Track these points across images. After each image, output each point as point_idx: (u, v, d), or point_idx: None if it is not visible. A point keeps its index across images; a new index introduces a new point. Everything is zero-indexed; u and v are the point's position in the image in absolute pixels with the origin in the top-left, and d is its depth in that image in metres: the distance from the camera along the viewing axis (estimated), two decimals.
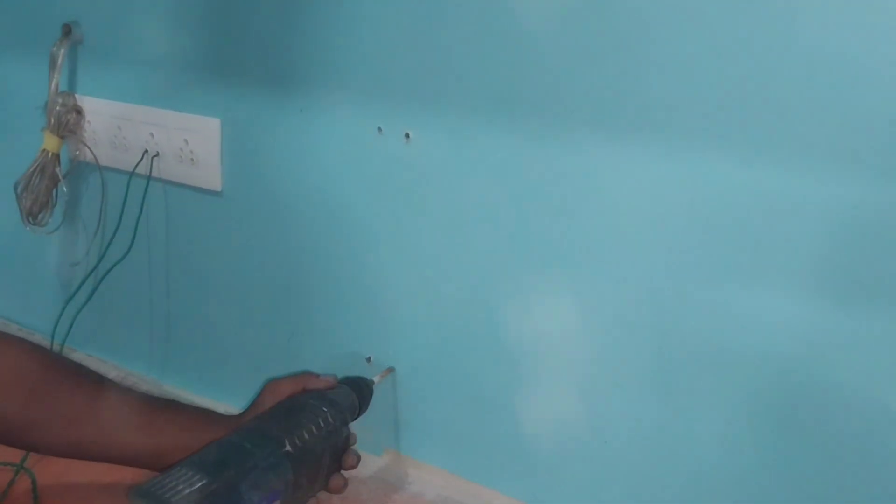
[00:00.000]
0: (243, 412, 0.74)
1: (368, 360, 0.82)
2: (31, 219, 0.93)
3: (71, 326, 0.92)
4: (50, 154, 0.91)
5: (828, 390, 0.61)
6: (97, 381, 0.70)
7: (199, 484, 0.55)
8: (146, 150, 0.88)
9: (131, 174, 0.89)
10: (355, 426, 0.72)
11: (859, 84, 0.55)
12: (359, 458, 0.71)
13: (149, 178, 0.89)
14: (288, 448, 0.62)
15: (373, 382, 0.76)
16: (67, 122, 0.91)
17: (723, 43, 0.58)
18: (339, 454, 0.68)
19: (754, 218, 0.60)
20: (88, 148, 0.92)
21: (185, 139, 0.85)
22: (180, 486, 0.54)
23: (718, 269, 0.63)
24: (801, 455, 0.63)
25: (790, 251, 0.60)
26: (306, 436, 0.64)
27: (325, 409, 0.67)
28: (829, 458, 0.62)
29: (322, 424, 0.66)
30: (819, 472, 0.63)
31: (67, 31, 0.89)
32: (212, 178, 0.86)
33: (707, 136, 0.61)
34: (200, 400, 0.95)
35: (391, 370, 0.80)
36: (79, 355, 1.01)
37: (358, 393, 0.73)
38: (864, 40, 0.54)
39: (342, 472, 0.69)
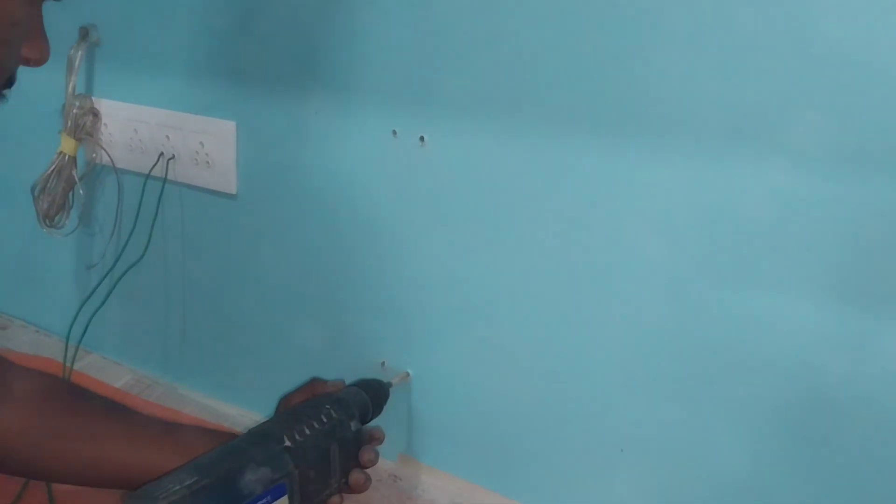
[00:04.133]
0: None
1: (382, 364, 0.81)
2: (47, 221, 0.93)
3: (86, 328, 0.93)
4: (67, 156, 0.91)
5: (851, 396, 0.60)
6: (95, 402, 0.70)
7: (190, 481, 0.55)
8: (162, 153, 0.88)
9: (147, 176, 0.89)
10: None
11: (878, 85, 0.54)
12: (377, 455, 0.70)
13: (164, 180, 0.89)
14: (287, 444, 0.62)
15: (389, 384, 0.76)
16: (84, 125, 0.91)
17: (740, 44, 0.57)
18: (351, 450, 0.68)
19: (776, 222, 0.59)
20: (105, 150, 0.93)
21: (201, 142, 0.85)
22: (171, 486, 0.54)
23: (739, 274, 0.62)
24: (826, 463, 0.62)
25: (813, 255, 0.59)
26: (307, 431, 0.64)
27: (327, 406, 0.67)
28: (854, 466, 0.61)
29: (324, 420, 0.65)
30: (843, 480, 0.62)
31: (85, 33, 0.89)
32: (227, 180, 0.86)
33: (726, 140, 0.60)
34: (215, 403, 0.95)
35: (407, 375, 0.79)
36: (94, 357, 1.02)
37: (369, 392, 0.73)
38: (884, 39, 0.53)
39: (363, 469, 0.69)
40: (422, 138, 0.73)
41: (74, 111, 0.91)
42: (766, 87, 0.57)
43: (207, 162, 0.86)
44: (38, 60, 0.54)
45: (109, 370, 1.01)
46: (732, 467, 0.66)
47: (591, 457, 0.72)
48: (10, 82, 0.53)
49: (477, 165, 0.71)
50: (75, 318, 0.93)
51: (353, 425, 0.68)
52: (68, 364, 0.93)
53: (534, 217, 0.69)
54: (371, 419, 0.72)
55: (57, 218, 0.94)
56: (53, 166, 0.91)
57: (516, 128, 0.68)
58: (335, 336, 0.84)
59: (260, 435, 0.63)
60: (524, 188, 0.69)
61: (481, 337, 0.75)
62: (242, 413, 0.92)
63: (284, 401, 0.73)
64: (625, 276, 0.66)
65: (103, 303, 0.93)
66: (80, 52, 0.89)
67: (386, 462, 0.83)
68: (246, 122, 0.83)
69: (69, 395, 0.69)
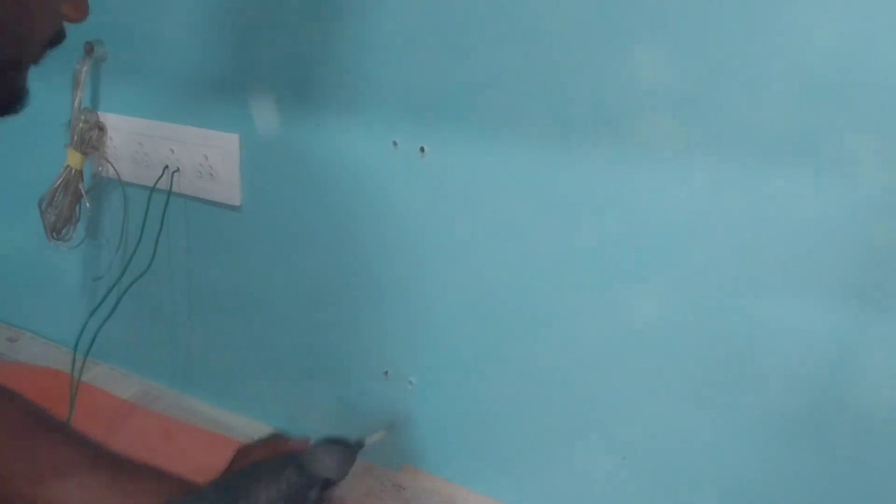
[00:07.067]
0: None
1: (386, 373, 0.82)
2: (55, 234, 0.94)
3: (94, 340, 0.93)
4: (73, 170, 0.92)
5: (863, 402, 0.60)
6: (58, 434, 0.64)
7: None
8: (167, 166, 0.89)
9: (152, 189, 0.90)
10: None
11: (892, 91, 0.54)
12: None
13: (169, 193, 0.89)
14: None
15: (359, 445, 0.68)
16: (90, 139, 0.92)
17: (744, 54, 0.58)
18: None
19: (786, 228, 0.60)
20: (111, 164, 0.94)
21: (205, 154, 0.86)
22: None
23: (751, 280, 0.62)
24: (836, 469, 0.62)
25: (825, 261, 0.59)
26: (262, 496, 0.59)
27: (287, 470, 0.62)
28: (865, 472, 0.61)
29: (283, 486, 0.61)
30: (853, 486, 0.62)
31: (90, 48, 0.90)
32: (231, 192, 0.86)
33: (737, 149, 0.60)
34: (222, 413, 0.95)
35: (392, 428, 0.75)
36: (102, 368, 1.03)
37: (335, 454, 0.65)
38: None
39: None
40: (422, 149, 0.73)
41: (80, 125, 0.91)
42: (778, 98, 0.58)
43: (211, 174, 0.86)
44: (79, 17, 0.52)
45: (117, 381, 1.02)
46: (738, 474, 0.66)
47: (597, 465, 0.72)
48: (59, 38, 0.52)
49: (478, 175, 0.71)
50: (83, 329, 0.94)
51: (314, 493, 0.63)
52: (76, 375, 0.94)
53: (537, 225, 0.70)
54: (335, 484, 0.66)
55: (64, 231, 0.95)
56: (60, 180, 0.92)
57: (517, 137, 0.68)
58: (339, 345, 0.85)
59: (211, 498, 0.59)
60: (526, 199, 0.69)
61: (485, 346, 0.75)
62: (248, 423, 0.93)
63: (241, 454, 0.67)
64: (631, 283, 0.67)
65: (110, 314, 0.93)
66: (85, 68, 0.90)
67: (390, 472, 0.83)
68: (249, 134, 0.84)
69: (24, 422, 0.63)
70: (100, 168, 0.95)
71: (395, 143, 0.74)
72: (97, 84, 0.93)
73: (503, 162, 0.69)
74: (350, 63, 0.75)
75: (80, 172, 0.93)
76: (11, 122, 0.98)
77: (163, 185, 0.89)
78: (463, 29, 0.68)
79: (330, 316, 0.84)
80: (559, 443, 0.74)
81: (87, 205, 0.95)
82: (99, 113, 0.93)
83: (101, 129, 0.93)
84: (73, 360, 0.93)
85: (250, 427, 0.92)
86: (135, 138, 0.91)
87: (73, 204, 0.93)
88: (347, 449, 0.67)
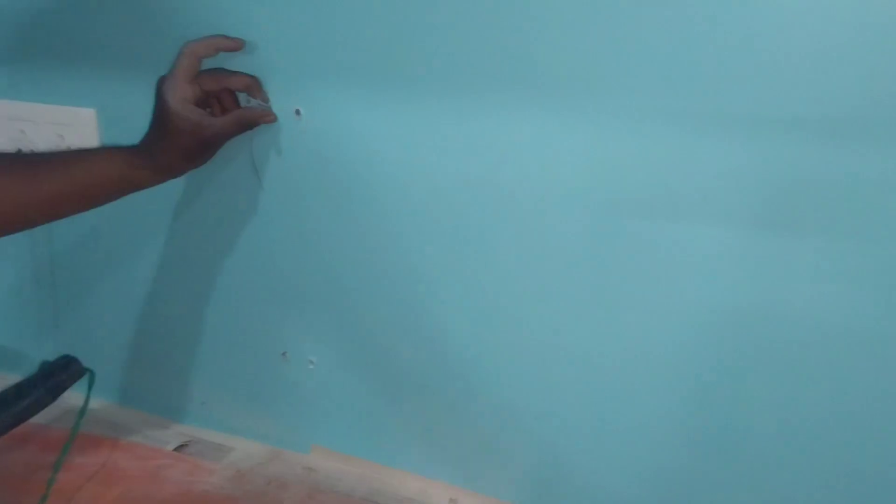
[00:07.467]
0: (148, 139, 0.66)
1: (284, 354, 0.77)
2: None
3: None
4: None
5: (779, 326, 0.59)
6: None
7: None
8: (19, 149, 0.80)
9: None
10: None
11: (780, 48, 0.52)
12: None
13: None
14: None
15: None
16: None
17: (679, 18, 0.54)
18: None
19: (675, 163, 0.58)
20: None
21: (61, 134, 0.78)
22: None
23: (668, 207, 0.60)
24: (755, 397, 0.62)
25: (721, 188, 0.57)
26: None
27: None
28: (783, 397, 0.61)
29: None
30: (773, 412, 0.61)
31: None
32: None
33: (616, 99, 0.57)
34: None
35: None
36: None
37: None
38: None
39: None
40: (297, 111, 0.68)
41: None
42: (684, 57, 0.55)
43: None
44: None
45: None
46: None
47: (491, 434, 0.70)
48: None
49: (355, 136, 0.66)
50: None
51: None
52: None
53: (430, 190, 0.66)
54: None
55: None
56: None
57: (399, 94, 0.64)
58: (236, 326, 0.79)
59: None
60: (396, 155, 0.65)
61: (384, 321, 0.72)
62: (147, 418, 0.87)
63: (166, 87, 0.64)
64: (530, 238, 0.64)
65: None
66: None
67: (298, 455, 0.79)
68: (107, 108, 0.76)
69: None
70: None
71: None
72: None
73: (382, 123, 0.65)
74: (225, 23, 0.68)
75: None
76: None
77: None
78: None
79: (224, 298, 0.79)
80: (463, 412, 0.71)
81: None
82: None
83: None
84: None
85: (153, 423, 0.87)
86: None
87: None
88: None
